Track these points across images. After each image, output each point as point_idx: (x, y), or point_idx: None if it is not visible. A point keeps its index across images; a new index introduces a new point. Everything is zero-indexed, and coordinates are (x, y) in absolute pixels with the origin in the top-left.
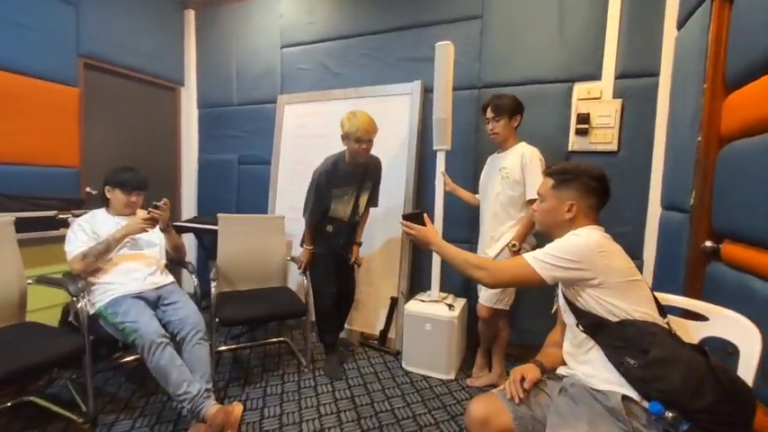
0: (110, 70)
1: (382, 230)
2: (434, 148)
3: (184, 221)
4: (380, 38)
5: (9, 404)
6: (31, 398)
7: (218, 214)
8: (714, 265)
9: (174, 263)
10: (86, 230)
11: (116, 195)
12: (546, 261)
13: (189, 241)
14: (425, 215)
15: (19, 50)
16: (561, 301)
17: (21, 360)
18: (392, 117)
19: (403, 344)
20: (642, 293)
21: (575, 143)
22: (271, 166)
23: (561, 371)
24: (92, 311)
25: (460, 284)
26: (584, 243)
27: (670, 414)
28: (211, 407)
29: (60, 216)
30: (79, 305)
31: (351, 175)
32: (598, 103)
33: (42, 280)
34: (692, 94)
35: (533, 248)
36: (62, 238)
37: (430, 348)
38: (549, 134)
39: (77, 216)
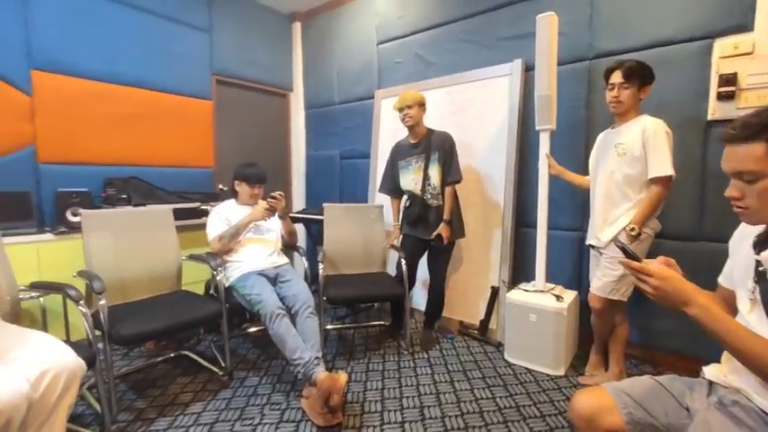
0: (234, 83)
1: (481, 217)
2: (537, 128)
3: (295, 213)
4: (476, 20)
5: (172, 355)
6: (186, 352)
7: (324, 204)
8: None
9: (288, 247)
10: (221, 217)
11: (243, 188)
12: None
13: (298, 230)
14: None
15: (169, 75)
16: (747, 293)
17: (181, 316)
18: (491, 101)
19: (505, 335)
20: None
21: (716, 110)
22: (370, 159)
23: (713, 377)
24: (227, 284)
25: (570, 276)
26: None
27: None
28: (320, 373)
29: (202, 207)
30: (218, 278)
31: (412, 146)
32: (749, 59)
33: (192, 257)
34: None
35: (656, 234)
36: (204, 225)
37: (535, 341)
38: (680, 103)
39: (214, 207)
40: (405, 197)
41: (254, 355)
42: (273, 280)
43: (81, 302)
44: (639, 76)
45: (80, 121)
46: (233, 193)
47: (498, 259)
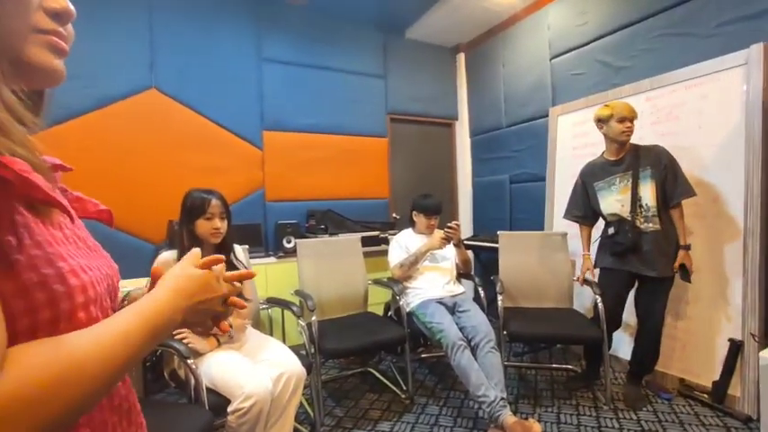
0: (405, 119)
1: (708, 248)
2: None
3: (464, 239)
4: (683, 9)
5: (359, 370)
6: (370, 369)
7: (499, 232)
8: None
9: (462, 276)
10: (401, 245)
11: (420, 218)
12: None
13: None
14: None
15: (352, 119)
16: None
17: (372, 337)
18: (714, 101)
19: (761, 409)
20: None
21: None
22: (545, 181)
23: None
24: (407, 309)
25: None
26: None
27: None
28: (508, 416)
29: (381, 235)
30: (401, 303)
31: (613, 164)
32: None
33: (377, 282)
34: None
35: None
36: (383, 252)
37: None
38: None
39: (392, 235)
40: (606, 224)
41: (431, 382)
42: (452, 309)
43: (300, 318)
44: None
45: (289, 166)
46: (410, 223)
47: (738, 303)
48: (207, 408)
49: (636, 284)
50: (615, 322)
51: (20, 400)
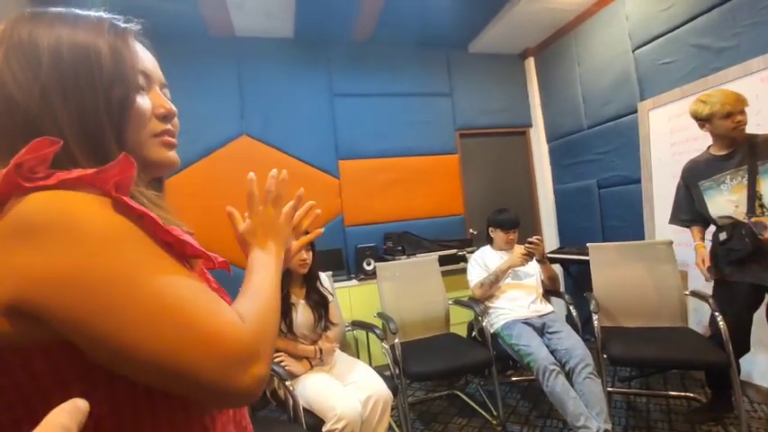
0: (475, 134)
1: None
2: None
3: (549, 252)
4: None
5: (446, 393)
6: (457, 392)
7: (589, 244)
8: None
9: (551, 293)
10: (480, 264)
11: (497, 234)
12: None
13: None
14: None
15: (421, 140)
16: None
17: (457, 361)
18: None
19: None
20: None
21: None
22: (641, 184)
23: None
24: (491, 331)
25: None
26: None
27: None
28: None
29: (459, 253)
30: (484, 324)
31: (721, 159)
32: None
33: (457, 302)
34: None
35: None
36: (462, 270)
37: None
38: None
39: (470, 252)
40: (717, 229)
41: (524, 409)
42: (540, 330)
43: (384, 340)
44: None
45: (364, 191)
46: (488, 240)
47: None
48: (304, 427)
49: (766, 299)
50: (743, 346)
51: (261, 335)
